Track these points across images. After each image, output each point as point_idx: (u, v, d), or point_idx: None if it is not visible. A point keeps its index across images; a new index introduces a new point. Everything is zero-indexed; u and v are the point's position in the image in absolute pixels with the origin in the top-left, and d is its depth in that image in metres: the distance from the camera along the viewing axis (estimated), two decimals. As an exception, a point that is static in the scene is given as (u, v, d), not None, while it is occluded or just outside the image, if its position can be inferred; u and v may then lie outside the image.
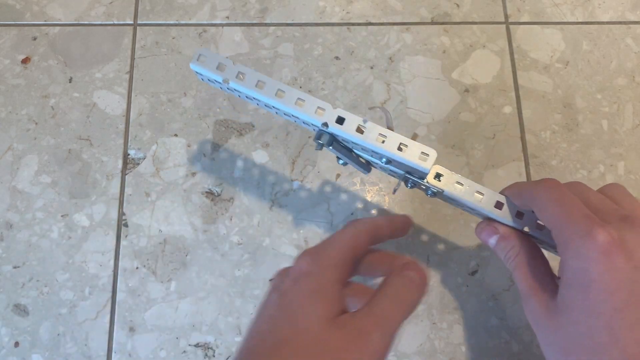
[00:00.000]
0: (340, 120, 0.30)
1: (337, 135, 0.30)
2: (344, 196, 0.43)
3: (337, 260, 0.28)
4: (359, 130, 0.29)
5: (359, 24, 0.49)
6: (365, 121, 0.30)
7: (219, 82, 0.32)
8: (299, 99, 0.30)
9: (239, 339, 0.40)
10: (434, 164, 0.30)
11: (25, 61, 0.47)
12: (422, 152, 0.29)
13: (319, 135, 0.30)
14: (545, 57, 0.48)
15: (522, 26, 0.49)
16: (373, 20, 0.49)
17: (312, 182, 0.44)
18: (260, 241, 0.42)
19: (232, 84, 0.31)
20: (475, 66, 0.47)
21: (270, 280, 0.41)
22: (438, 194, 0.31)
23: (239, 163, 0.44)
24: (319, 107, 0.30)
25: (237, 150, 0.44)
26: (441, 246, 0.42)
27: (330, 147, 0.31)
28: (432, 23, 0.49)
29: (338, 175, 0.44)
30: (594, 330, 0.25)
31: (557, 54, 0.48)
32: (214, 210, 0.43)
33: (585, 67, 0.48)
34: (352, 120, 0.30)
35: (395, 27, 0.49)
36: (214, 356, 0.39)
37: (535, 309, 0.28)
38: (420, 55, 0.48)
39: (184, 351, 0.39)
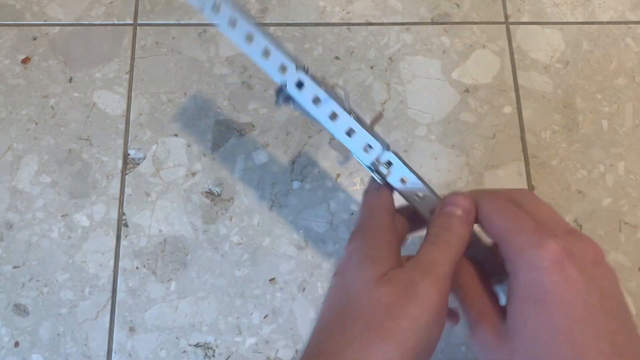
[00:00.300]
0: (299, 85, 0.28)
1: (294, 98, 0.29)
2: (344, 196, 0.43)
3: (377, 227, 0.28)
4: (315, 101, 0.28)
5: (359, 24, 0.49)
6: (324, 95, 0.28)
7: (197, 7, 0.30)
8: (266, 49, 0.28)
9: (239, 339, 0.40)
10: (381, 154, 0.29)
11: (25, 61, 0.47)
12: (368, 144, 0.28)
13: (278, 91, 0.29)
14: (545, 57, 0.48)
15: (522, 26, 0.49)
16: (373, 20, 0.49)
17: (312, 182, 0.44)
18: (260, 241, 0.42)
19: (205, 14, 0.29)
20: (475, 66, 0.47)
21: (271, 280, 0.41)
22: (382, 181, 0.30)
23: (239, 163, 0.44)
24: (282, 65, 0.28)
25: (237, 150, 0.44)
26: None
27: (291, 106, 0.29)
28: (432, 23, 0.49)
29: (338, 175, 0.44)
30: (554, 346, 0.23)
31: (557, 54, 0.48)
32: (214, 210, 0.43)
33: (585, 67, 0.48)
34: (311, 89, 0.28)
35: (395, 27, 0.49)
36: (214, 356, 0.39)
37: (484, 336, 0.26)
38: (420, 55, 0.48)
39: (184, 351, 0.39)
